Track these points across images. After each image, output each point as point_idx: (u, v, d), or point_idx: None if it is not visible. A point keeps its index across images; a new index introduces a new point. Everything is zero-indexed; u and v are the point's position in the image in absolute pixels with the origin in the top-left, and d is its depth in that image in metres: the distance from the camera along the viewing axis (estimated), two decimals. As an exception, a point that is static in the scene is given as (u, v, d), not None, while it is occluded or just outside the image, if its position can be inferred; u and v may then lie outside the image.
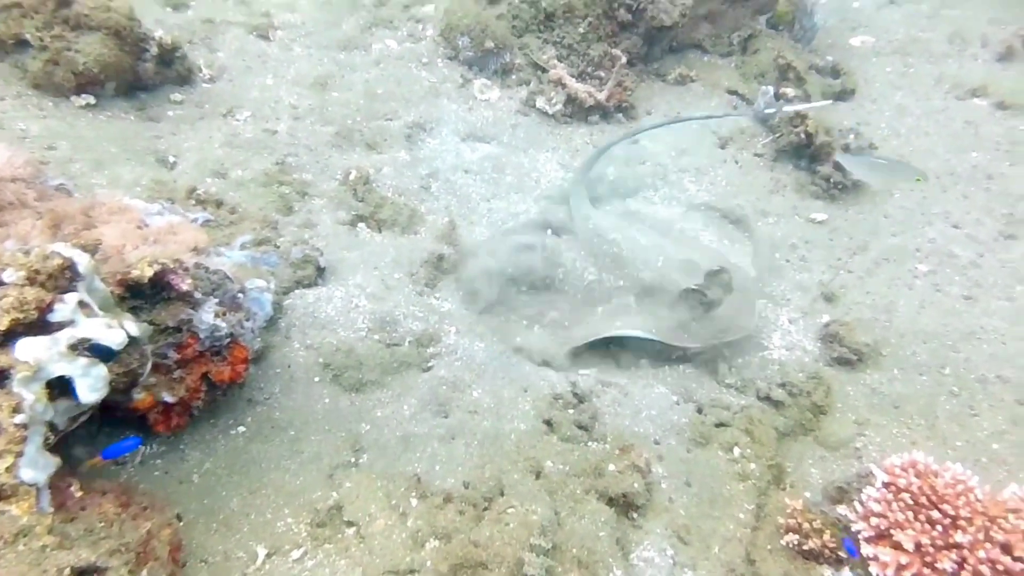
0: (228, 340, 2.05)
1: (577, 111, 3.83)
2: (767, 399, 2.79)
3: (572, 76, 3.78)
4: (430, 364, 2.50)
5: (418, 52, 3.93)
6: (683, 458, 2.53)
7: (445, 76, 3.89)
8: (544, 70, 3.87)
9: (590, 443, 2.43)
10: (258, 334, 2.27)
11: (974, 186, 3.88)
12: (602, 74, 3.87)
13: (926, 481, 2.23)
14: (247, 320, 2.14)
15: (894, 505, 2.20)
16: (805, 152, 3.82)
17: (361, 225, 3.01)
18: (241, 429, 2.19)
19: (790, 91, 3.95)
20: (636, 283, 2.89)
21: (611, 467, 2.41)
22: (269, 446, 2.17)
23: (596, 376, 2.72)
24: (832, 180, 3.75)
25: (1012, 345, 3.09)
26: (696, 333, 2.81)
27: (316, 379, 2.32)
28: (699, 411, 2.73)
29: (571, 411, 2.52)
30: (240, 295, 2.15)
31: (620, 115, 3.94)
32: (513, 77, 3.89)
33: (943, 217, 3.73)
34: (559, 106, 3.77)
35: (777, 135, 3.87)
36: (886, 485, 2.25)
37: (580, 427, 2.48)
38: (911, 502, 2.19)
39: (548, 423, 2.44)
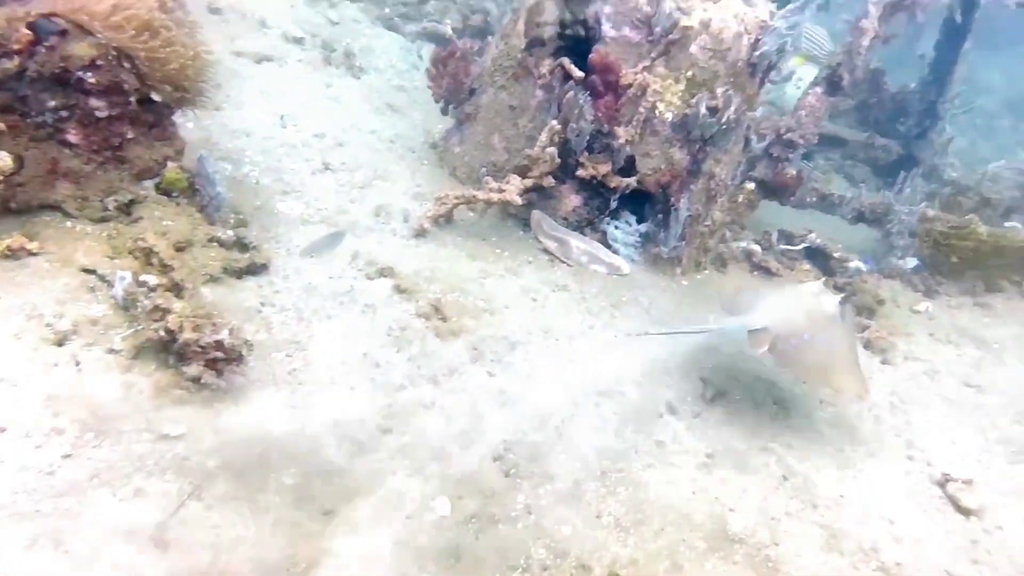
0: None
1: None
2: None
3: None
4: None
5: None
6: None
7: None
8: None
9: None
10: None
11: (359, 375, 3.90)
12: None
13: None
14: None
15: None
16: (172, 349, 3.29)
17: None
18: None
19: (152, 279, 3.40)
20: None
21: None
22: None
23: None
24: (203, 381, 3.28)
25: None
26: None
27: None
28: None
29: None
30: None
31: None
32: None
33: (321, 410, 3.60)
34: None
35: (139, 327, 3.26)
36: None
37: None
38: None
39: None
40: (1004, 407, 5.86)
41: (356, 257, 4.78)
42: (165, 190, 3.99)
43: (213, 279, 3.91)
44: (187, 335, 3.20)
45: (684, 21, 5.33)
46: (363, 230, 5.16)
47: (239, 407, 3.30)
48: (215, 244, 4.02)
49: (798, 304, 4.48)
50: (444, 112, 6.46)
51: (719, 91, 5.63)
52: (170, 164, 3.97)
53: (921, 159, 11.01)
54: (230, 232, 4.07)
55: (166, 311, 3.22)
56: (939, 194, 9.96)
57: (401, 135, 6.70)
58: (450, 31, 9.28)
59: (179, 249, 3.84)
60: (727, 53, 5.53)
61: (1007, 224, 8.19)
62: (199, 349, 3.23)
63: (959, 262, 7.53)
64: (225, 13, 7.29)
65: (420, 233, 5.36)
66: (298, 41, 7.55)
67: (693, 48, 5.46)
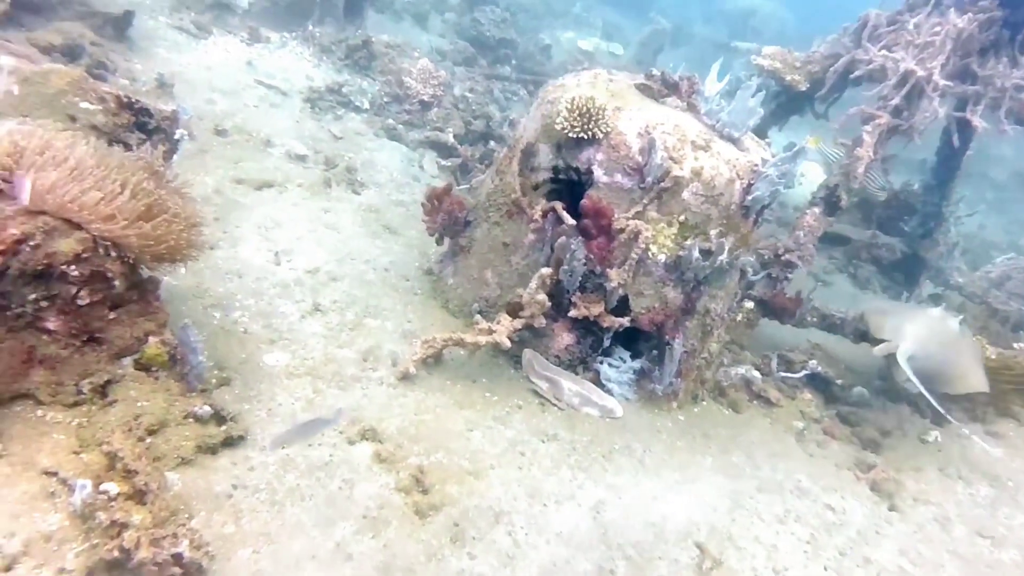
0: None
1: None
2: None
3: None
4: None
5: None
6: None
7: None
8: None
9: None
10: None
11: (329, 571, 3.72)
12: None
13: None
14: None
15: None
16: (127, 567, 3.15)
17: None
18: None
19: (112, 488, 3.29)
20: None
21: None
22: None
23: None
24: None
25: None
26: None
27: None
28: None
29: None
30: None
31: None
32: None
33: (290, 624, 3.42)
34: None
35: (95, 541, 3.13)
36: None
37: None
38: None
39: None
40: (1021, 565, 5.56)
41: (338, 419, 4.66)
42: (144, 365, 3.93)
43: (185, 462, 3.80)
44: (143, 554, 3.05)
45: (675, 171, 5.32)
46: (349, 380, 5.06)
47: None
48: (191, 420, 3.93)
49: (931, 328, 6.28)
50: (439, 243, 6.45)
51: (712, 234, 5.59)
52: (151, 339, 3.91)
53: (927, 259, 10.88)
54: (207, 407, 3.98)
55: (124, 526, 3.09)
56: (945, 299, 9.79)
57: (396, 262, 6.68)
58: (452, 138, 9.43)
59: (152, 432, 3.75)
60: (719, 198, 5.51)
61: (1017, 345, 7.97)
62: (155, 568, 3.09)
63: (967, 388, 7.28)
64: (231, 135, 7.42)
65: (406, 377, 5.26)
66: (301, 159, 7.65)
67: (685, 195, 5.44)
